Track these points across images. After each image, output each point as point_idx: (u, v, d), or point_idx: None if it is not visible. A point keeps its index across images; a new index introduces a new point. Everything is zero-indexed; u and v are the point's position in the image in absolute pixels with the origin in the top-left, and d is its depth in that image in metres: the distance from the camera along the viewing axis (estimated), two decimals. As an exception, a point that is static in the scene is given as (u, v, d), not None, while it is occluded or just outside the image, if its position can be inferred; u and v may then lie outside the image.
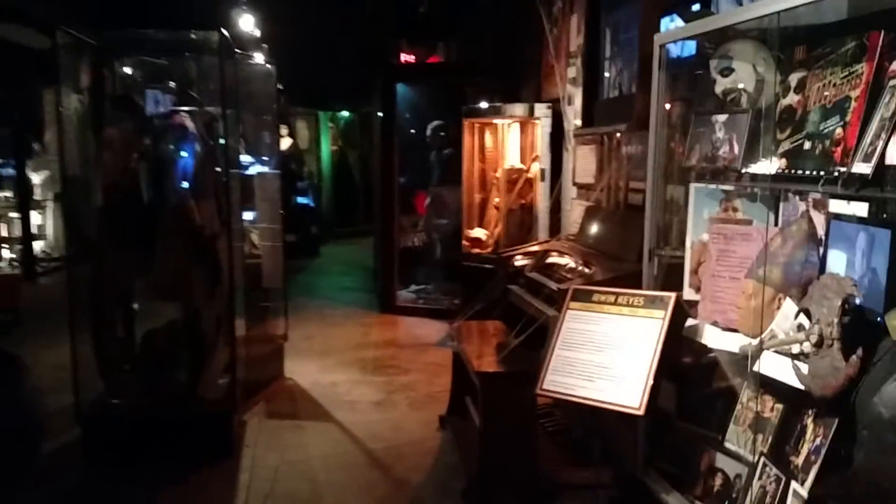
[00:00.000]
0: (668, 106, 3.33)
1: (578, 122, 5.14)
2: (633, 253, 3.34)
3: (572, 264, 3.83)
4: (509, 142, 5.91)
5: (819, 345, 2.15)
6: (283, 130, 11.57)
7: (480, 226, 6.18)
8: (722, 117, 2.81)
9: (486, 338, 3.89)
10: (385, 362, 5.53)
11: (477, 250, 6.00)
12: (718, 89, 2.80)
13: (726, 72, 2.78)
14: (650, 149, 2.87)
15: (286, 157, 11.55)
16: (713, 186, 2.87)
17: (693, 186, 2.94)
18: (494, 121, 5.97)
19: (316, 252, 11.25)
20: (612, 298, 2.86)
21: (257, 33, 6.22)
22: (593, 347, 2.82)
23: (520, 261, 4.17)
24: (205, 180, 3.91)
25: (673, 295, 2.72)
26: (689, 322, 2.84)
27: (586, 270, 3.58)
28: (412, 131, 8.75)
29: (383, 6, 8.20)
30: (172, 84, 4.40)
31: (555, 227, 5.75)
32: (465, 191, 6.19)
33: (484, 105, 6.03)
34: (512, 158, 5.91)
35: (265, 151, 5.51)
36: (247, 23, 5.59)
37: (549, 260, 4.05)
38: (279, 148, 11.30)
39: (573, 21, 5.39)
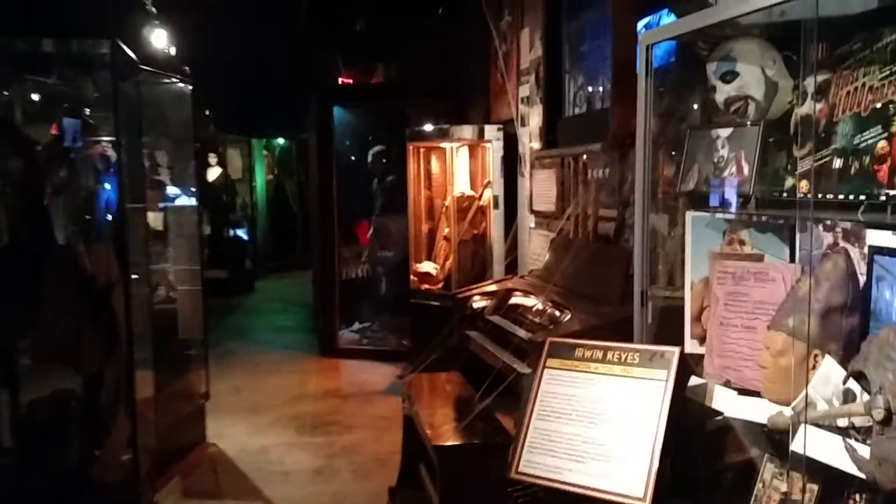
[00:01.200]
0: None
1: (536, 145, 4.64)
2: (612, 293, 2.82)
3: (540, 306, 3.29)
4: (458, 167, 5.39)
5: (887, 421, 1.64)
6: (212, 159, 10.87)
7: (429, 258, 5.62)
8: (725, 132, 2.32)
9: (443, 396, 3.31)
10: (325, 418, 4.88)
11: (426, 286, 5.43)
12: (720, 98, 2.31)
13: (729, 77, 2.29)
14: (638, 171, 2.35)
15: (216, 187, 10.86)
16: (718, 216, 2.37)
17: (690, 215, 2.43)
18: (441, 144, 5.44)
19: (250, 288, 10.50)
20: (599, 354, 2.33)
21: (172, 51, 5.56)
22: (580, 418, 2.27)
23: (478, 301, 3.62)
24: (98, 218, 3.24)
25: (676, 350, 2.20)
26: (693, 381, 2.32)
27: (557, 314, 3.05)
28: (352, 158, 8.17)
29: (318, 24, 7.64)
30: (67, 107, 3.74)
31: (511, 260, 5.23)
32: (412, 220, 5.63)
33: (429, 128, 5.50)
34: (461, 185, 5.38)
35: (183, 182, 4.86)
36: (159, 38, 4.95)
37: (513, 300, 3.50)
38: (204, 178, 10.69)
39: (524, 36, 4.92)
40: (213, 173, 10.81)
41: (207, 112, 10.68)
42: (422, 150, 5.63)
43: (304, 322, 8.06)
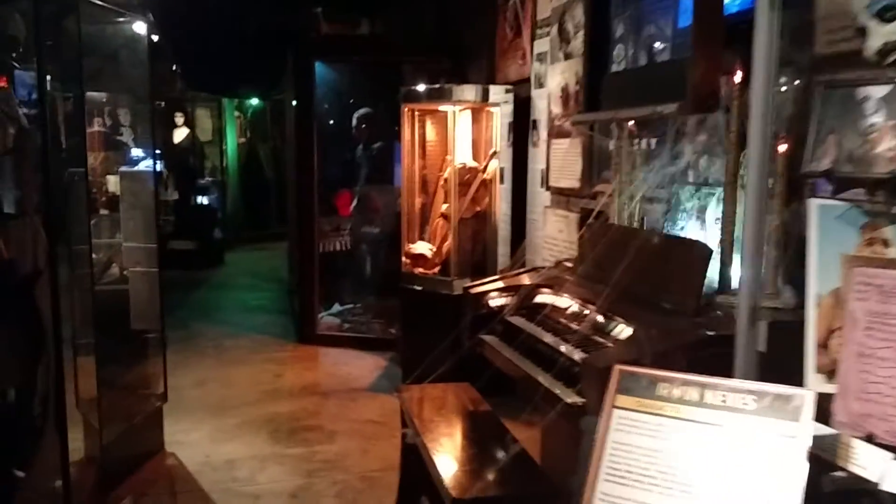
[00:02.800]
0: (737, 76, 2.20)
1: (557, 109, 3.97)
2: (685, 301, 2.18)
3: (575, 308, 2.64)
4: (459, 134, 4.70)
5: None
6: (179, 119, 10.03)
7: (423, 238, 4.95)
8: (879, 91, 1.68)
9: (455, 419, 2.67)
10: (304, 421, 4.22)
11: (420, 270, 4.76)
12: (873, 44, 1.67)
13: (891, 13, 1.65)
14: (754, 140, 1.70)
15: (183, 150, 10.03)
16: (858, 206, 1.73)
17: (816, 204, 1.79)
18: (440, 108, 4.74)
19: (220, 260, 9.74)
20: (694, 394, 1.69)
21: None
22: (668, 484, 1.64)
23: (496, 299, 2.96)
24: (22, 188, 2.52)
25: (809, 395, 1.58)
26: (819, 429, 1.70)
27: (602, 321, 2.40)
28: (332, 121, 7.42)
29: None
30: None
31: (518, 243, 4.58)
32: (405, 194, 4.93)
33: (426, 87, 4.77)
34: (462, 155, 4.69)
35: (138, 142, 4.14)
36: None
37: (540, 298, 2.86)
38: (170, 140, 9.85)
39: (542, -20, 4.23)
40: (180, 134, 9.99)
41: (174, 68, 9.82)
42: (417, 113, 4.91)
43: (279, 301, 7.37)
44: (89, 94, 4.59)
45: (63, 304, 3.18)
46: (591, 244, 2.85)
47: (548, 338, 2.49)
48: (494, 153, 4.59)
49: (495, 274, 4.55)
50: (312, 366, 5.36)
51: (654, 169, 2.93)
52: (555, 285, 2.84)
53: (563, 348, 2.32)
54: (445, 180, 4.73)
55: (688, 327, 2.05)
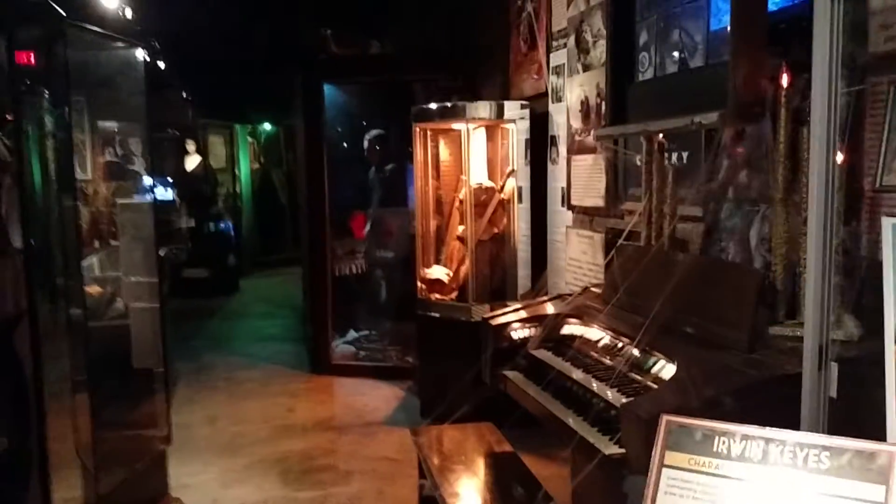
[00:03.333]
0: (784, 80, 1.96)
1: (577, 124, 3.75)
2: (736, 335, 1.93)
3: (607, 340, 2.40)
4: (473, 153, 4.49)
5: None
6: (191, 146, 9.92)
7: (438, 262, 4.72)
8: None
9: (476, 466, 2.43)
10: (317, 460, 3.99)
11: (436, 296, 4.53)
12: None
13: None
14: (816, 150, 1.47)
15: (195, 178, 9.92)
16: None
17: (891, 223, 1.55)
18: (453, 126, 4.54)
19: (234, 287, 9.58)
20: (757, 450, 1.45)
21: (129, 13, 4.62)
22: (732, 558, 1.40)
23: (518, 330, 2.73)
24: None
25: (896, 450, 1.34)
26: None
27: (638, 356, 2.16)
28: (345, 144, 7.25)
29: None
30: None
31: (538, 266, 4.34)
32: (419, 216, 4.72)
33: (438, 106, 4.57)
34: (478, 174, 4.48)
35: (140, 171, 3.97)
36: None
37: (567, 329, 2.62)
38: (182, 168, 9.74)
39: (556, -10, 4.03)
40: (192, 162, 9.87)
41: (185, 95, 9.74)
42: (429, 132, 4.71)
43: (293, 329, 7.16)
44: (101, 123, 4.49)
45: (59, 344, 3.01)
46: (623, 269, 2.61)
47: (578, 375, 2.25)
48: (511, 172, 4.37)
49: (516, 299, 4.32)
50: (327, 398, 5.13)
51: (688, 185, 2.69)
52: (583, 315, 2.60)
53: (595, 387, 2.08)
54: (461, 201, 4.51)
55: (741, 366, 1.79)
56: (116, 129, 4.50)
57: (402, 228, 6.27)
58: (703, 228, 2.59)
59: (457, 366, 4.33)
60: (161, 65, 6.90)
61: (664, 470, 1.51)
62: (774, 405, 1.62)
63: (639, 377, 2.06)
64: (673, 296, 2.14)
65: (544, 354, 2.57)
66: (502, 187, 4.41)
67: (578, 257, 3.76)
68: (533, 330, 2.70)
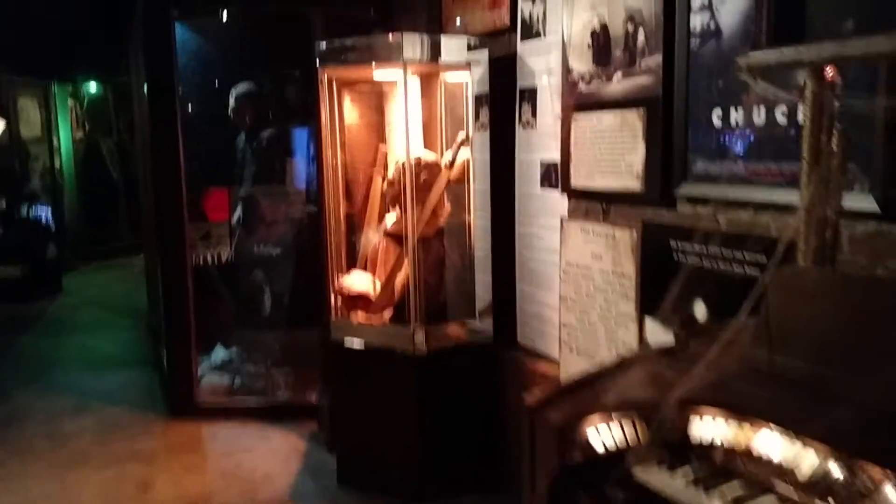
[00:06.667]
0: None
1: (583, 66, 2.52)
2: None
3: (784, 448, 1.23)
4: (404, 114, 3.17)
5: None
6: (-12, 109, 7.81)
7: (359, 266, 3.37)
8: None
9: None
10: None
11: (360, 316, 3.20)
12: None
13: None
14: None
15: (-3, 148, 7.85)
16: None
17: None
18: (376, 73, 3.19)
19: (56, 287, 7.65)
20: None
21: None
22: None
23: (600, 435, 1.48)
24: None
25: None
26: None
27: (857, 480, 1.02)
28: (199, 102, 5.60)
29: None
30: None
31: (502, 272, 3.11)
32: (328, 202, 3.33)
33: (354, 41, 3.15)
34: (413, 145, 3.15)
35: None
36: None
37: (700, 430, 1.41)
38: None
39: None
40: (-8, 129, 7.77)
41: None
42: (336, 81, 3.30)
43: (138, 347, 5.53)
44: None
45: None
46: (789, 309, 1.44)
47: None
48: (464, 140, 3.10)
49: (473, 317, 3.10)
50: (197, 461, 3.65)
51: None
52: (727, 400, 1.40)
53: None
54: (391, 182, 3.18)
55: None
56: None
57: (286, 213, 4.85)
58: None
59: (394, 415, 3.08)
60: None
61: None
62: None
63: None
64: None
65: (664, 481, 1.37)
66: (451, 162, 3.13)
67: (586, 262, 2.57)
68: (629, 430, 1.47)
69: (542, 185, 2.90)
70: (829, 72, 1.46)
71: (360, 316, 3.20)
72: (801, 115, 1.52)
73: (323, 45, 3.11)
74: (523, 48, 2.96)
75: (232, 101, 4.77)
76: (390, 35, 3.03)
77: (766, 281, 1.49)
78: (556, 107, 2.72)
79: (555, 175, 2.78)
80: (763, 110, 1.87)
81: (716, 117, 2.01)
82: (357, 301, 3.17)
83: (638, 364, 1.62)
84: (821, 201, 1.51)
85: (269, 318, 4.72)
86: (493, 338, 3.11)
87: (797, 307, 1.43)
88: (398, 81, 3.10)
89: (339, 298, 3.23)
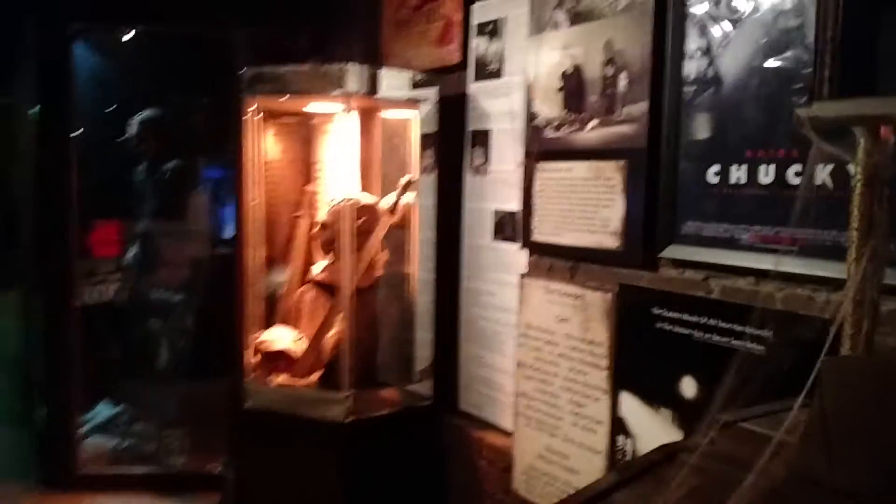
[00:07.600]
0: None
1: (552, 111, 2.30)
2: None
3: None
4: (328, 151, 2.86)
5: None
6: None
7: (279, 318, 2.98)
8: None
9: None
10: None
11: (282, 379, 2.81)
12: None
13: None
14: None
15: None
16: None
17: None
18: (311, 106, 2.87)
19: None
20: None
21: None
22: None
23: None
24: None
25: None
26: None
27: None
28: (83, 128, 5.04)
29: None
30: None
31: (446, 329, 2.83)
32: (245, 246, 2.93)
33: (286, 70, 2.82)
34: (348, 185, 2.83)
35: None
36: None
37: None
38: None
39: None
40: None
41: None
42: (263, 112, 2.94)
43: (8, 399, 4.80)
44: None
45: None
46: (854, 411, 1.22)
47: None
48: (409, 183, 2.81)
49: (409, 380, 2.79)
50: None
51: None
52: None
53: None
54: (324, 225, 2.84)
55: None
56: None
57: (188, 253, 4.39)
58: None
59: (316, 491, 2.71)
60: None
61: None
62: None
63: None
64: None
65: None
66: (394, 206, 2.82)
67: (550, 326, 2.32)
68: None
69: (496, 236, 2.65)
70: (885, 131, 1.29)
71: (280, 377, 2.81)
72: (853, 179, 1.32)
73: (249, 72, 2.77)
74: (476, 88, 2.73)
75: (134, 127, 4.30)
76: (329, 65, 2.73)
77: (820, 370, 1.27)
78: (517, 153, 2.48)
79: (511, 227, 2.54)
80: (773, 169, 1.69)
81: (712, 174, 1.82)
82: (278, 359, 2.78)
83: (659, 474, 1.35)
84: (872, 278, 1.32)
85: (165, 370, 4.21)
86: (433, 403, 2.80)
87: (861, 404, 1.22)
88: (334, 116, 2.79)
89: (258, 356, 2.83)
